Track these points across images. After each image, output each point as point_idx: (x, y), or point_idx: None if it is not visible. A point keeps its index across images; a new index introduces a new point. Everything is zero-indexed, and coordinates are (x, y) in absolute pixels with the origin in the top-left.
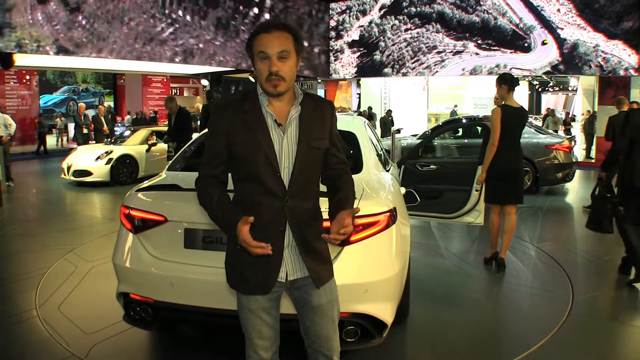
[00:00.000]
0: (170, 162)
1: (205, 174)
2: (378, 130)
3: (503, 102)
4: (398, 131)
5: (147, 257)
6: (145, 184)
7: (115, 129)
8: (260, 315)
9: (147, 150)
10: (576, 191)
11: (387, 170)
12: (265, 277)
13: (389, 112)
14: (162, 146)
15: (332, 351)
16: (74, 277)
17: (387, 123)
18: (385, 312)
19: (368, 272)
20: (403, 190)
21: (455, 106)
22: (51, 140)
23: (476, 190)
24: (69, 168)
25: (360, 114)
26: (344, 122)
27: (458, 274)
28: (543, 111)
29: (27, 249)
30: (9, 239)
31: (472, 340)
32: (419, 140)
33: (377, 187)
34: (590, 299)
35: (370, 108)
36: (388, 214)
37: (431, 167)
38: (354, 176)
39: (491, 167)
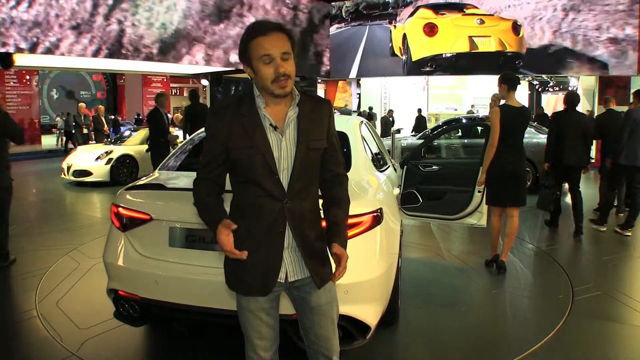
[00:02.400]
0: (163, 161)
1: (203, 178)
2: (378, 130)
3: (502, 102)
4: (398, 131)
5: (134, 255)
6: (134, 183)
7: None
8: (260, 316)
9: (147, 150)
10: None
11: (383, 171)
12: (264, 278)
13: (390, 112)
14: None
15: (332, 351)
16: (75, 273)
17: (387, 123)
18: (368, 314)
19: (349, 273)
20: (397, 191)
21: (472, 106)
22: (51, 140)
23: (479, 192)
24: (69, 168)
25: (359, 114)
26: (337, 122)
27: (458, 275)
28: (545, 111)
29: (27, 249)
30: (10, 239)
31: (471, 342)
32: (420, 141)
33: (364, 187)
34: (590, 299)
35: (370, 108)
36: (372, 214)
37: (433, 167)
38: None
39: (491, 168)
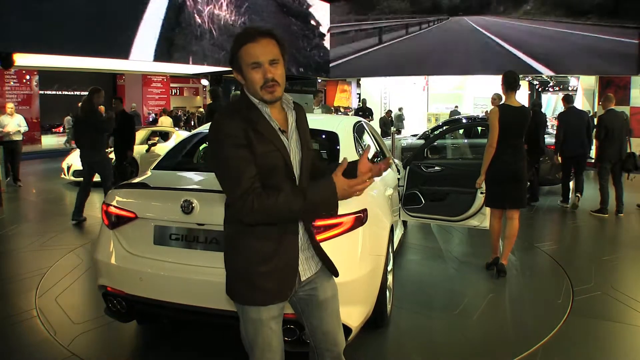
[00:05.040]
0: (157, 160)
1: (249, 191)
2: (378, 130)
3: (502, 102)
4: (398, 131)
5: (121, 252)
6: (128, 181)
7: None
8: (270, 325)
9: (147, 150)
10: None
11: None
12: (284, 282)
13: (389, 112)
14: (163, 146)
15: (339, 345)
16: (77, 271)
17: (386, 123)
18: (349, 316)
19: None
20: (390, 191)
21: (456, 106)
22: (51, 140)
23: (481, 193)
24: (69, 168)
25: (357, 112)
26: (329, 123)
27: (458, 277)
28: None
29: (27, 249)
30: (10, 239)
31: (470, 343)
32: (420, 141)
33: None
34: (590, 299)
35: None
36: (354, 215)
37: (436, 168)
38: None
39: (490, 170)
